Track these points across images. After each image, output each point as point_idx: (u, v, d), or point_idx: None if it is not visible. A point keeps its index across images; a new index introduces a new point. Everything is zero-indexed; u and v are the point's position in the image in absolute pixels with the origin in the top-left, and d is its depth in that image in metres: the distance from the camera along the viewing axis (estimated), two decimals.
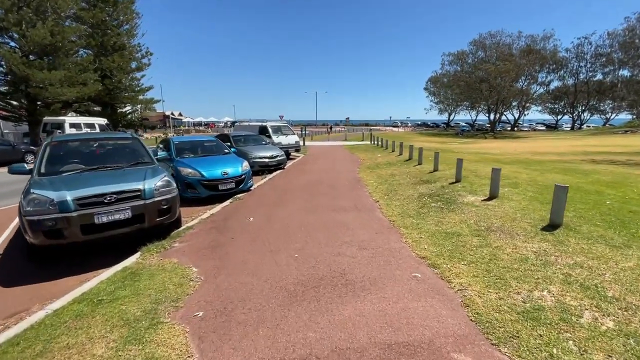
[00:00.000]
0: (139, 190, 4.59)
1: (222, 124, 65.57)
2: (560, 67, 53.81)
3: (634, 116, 66.57)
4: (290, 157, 17.77)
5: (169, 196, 4.88)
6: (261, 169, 11.97)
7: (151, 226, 4.72)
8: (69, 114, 29.01)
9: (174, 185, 5.12)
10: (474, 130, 58.77)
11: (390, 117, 78.92)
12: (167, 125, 55.63)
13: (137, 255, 4.39)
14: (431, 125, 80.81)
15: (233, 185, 8.02)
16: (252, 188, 8.91)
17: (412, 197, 7.05)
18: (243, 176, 8.29)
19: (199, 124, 64.63)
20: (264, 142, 13.78)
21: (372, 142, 24.70)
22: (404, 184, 8.57)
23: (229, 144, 12.96)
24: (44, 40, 22.19)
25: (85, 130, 20.75)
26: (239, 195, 8.02)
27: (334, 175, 10.84)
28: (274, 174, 11.61)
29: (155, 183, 4.80)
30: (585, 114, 62.95)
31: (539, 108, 70.66)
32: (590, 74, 53.20)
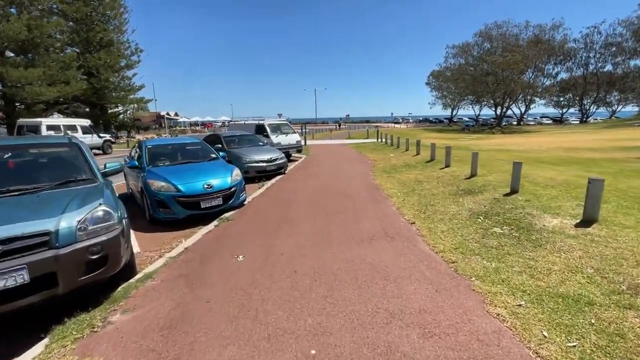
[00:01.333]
0: (45, 234, 2.75)
1: (220, 124, 63.67)
2: (568, 58, 51.78)
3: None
4: (292, 158, 15.92)
5: (104, 238, 3.04)
6: (258, 175, 10.14)
7: (73, 289, 2.90)
8: (53, 116, 27.14)
9: (116, 217, 3.27)
10: (479, 126, 56.82)
11: (392, 114, 76.99)
12: (162, 125, 53.78)
13: (40, 348, 2.56)
14: (434, 121, 78.87)
15: (220, 201, 6.18)
16: (245, 202, 7.07)
17: (460, 217, 5.21)
18: (233, 188, 6.45)
19: (195, 123, 62.71)
20: (261, 143, 11.92)
21: (379, 140, 22.84)
22: (438, 194, 6.72)
23: (219, 145, 11.12)
24: (19, 35, 20.25)
25: (65, 133, 18.92)
26: (227, 215, 6.19)
27: (345, 181, 9.01)
28: (274, 180, 9.77)
29: (80, 217, 2.97)
30: (592, 106, 61.04)
31: (544, 101, 68.75)
32: (600, 64, 51.27)
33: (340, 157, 15.08)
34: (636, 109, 68.12)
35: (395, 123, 76.54)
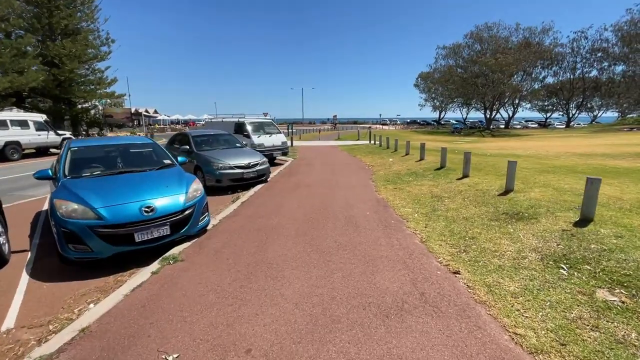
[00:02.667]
0: None
1: (202, 122, 60.60)
2: (555, 62, 51.83)
3: (620, 114, 66.08)
4: (276, 161, 13.98)
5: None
6: (233, 185, 8.18)
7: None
8: (9, 109, 24.13)
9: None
10: (467, 128, 56.29)
11: (380, 115, 75.87)
12: (139, 123, 50.60)
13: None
14: (422, 123, 78.33)
15: (167, 230, 4.20)
16: (208, 227, 5.13)
17: (528, 265, 3.44)
18: (189, 210, 4.49)
19: (176, 122, 59.56)
20: (238, 145, 9.93)
21: (373, 142, 21.16)
22: (473, 219, 4.97)
23: (187, 147, 9.10)
24: None
25: (13, 129, 16.30)
26: (177, 250, 4.23)
27: (343, 195, 7.18)
28: (252, 191, 7.84)
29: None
30: (575, 111, 61.63)
31: (529, 105, 69.18)
32: (586, 69, 51.57)
33: (332, 161, 13.23)
34: (616, 114, 69.98)
35: (383, 124, 75.50)
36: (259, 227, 5.09)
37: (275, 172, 10.69)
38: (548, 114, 73.07)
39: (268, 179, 9.26)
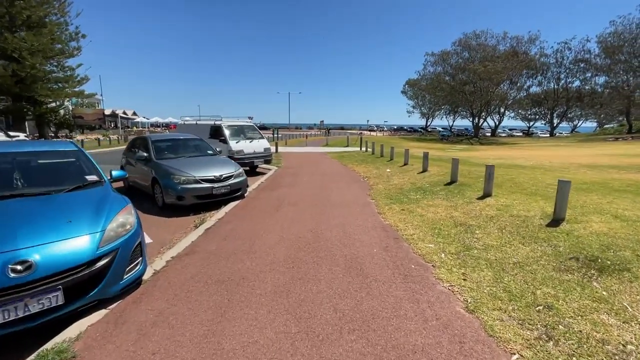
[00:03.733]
0: None
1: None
2: (540, 72, 52.42)
3: (598, 124, 67.91)
4: (258, 170, 12.34)
5: None
6: (199, 202, 6.51)
7: None
8: None
9: None
10: (455, 136, 56.10)
11: (368, 121, 75.37)
12: (116, 125, 47.90)
13: None
14: (409, 129, 78.14)
15: (57, 298, 2.51)
16: (144, 277, 3.45)
17: None
18: (103, 261, 2.82)
19: (156, 124, 56.82)
20: (210, 152, 8.24)
21: (364, 149, 19.78)
22: (527, 264, 3.48)
23: (145, 155, 7.37)
24: None
25: None
26: (72, 335, 2.52)
27: (338, 217, 5.62)
28: (224, 210, 6.18)
29: None
30: (557, 120, 62.66)
31: (512, 114, 70.10)
32: (570, 80, 52.34)
33: (322, 171, 11.67)
34: (594, 124, 71.91)
35: (370, 131, 74.75)
36: (220, 278, 3.45)
37: (255, 183, 9.04)
38: (531, 123, 74.36)
39: (245, 194, 7.61)
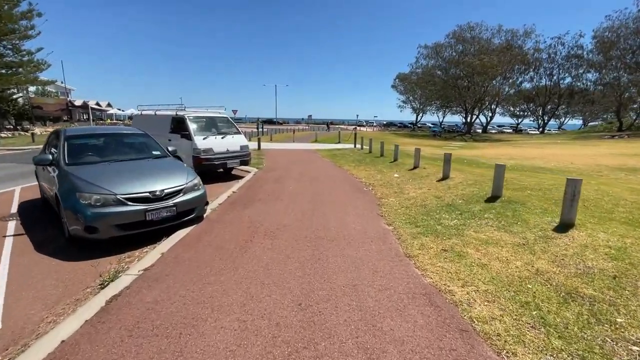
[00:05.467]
0: None
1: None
2: (533, 68, 51.34)
3: (583, 122, 68.20)
4: (234, 172, 9.98)
5: None
6: (126, 235, 4.14)
7: None
8: None
9: None
10: (444, 132, 54.65)
11: (357, 116, 73.01)
12: (88, 117, 44.11)
13: None
14: (399, 125, 76.48)
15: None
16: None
17: None
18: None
19: (131, 117, 52.90)
20: (156, 153, 5.80)
21: (360, 147, 17.58)
22: None
23: (51, 157, 4.94)
24: None
25: None
26: None
27: (343, 267, 3.39)
28: (164, 247, 3.85)
29: None
30: (549, 117, 62.23)
31: (500, 110, 69.31)
32: (562, 76, 51.53)
33: (312, 175, 9.39)
34: (579, 122, 72.31)
35: (360, 126, 72.56)
36: None
37: (223, 195, 6.67)
38: (519, 120, 73.90)
39: (204, 214, 5.26)
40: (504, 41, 43.76)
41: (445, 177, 7.51)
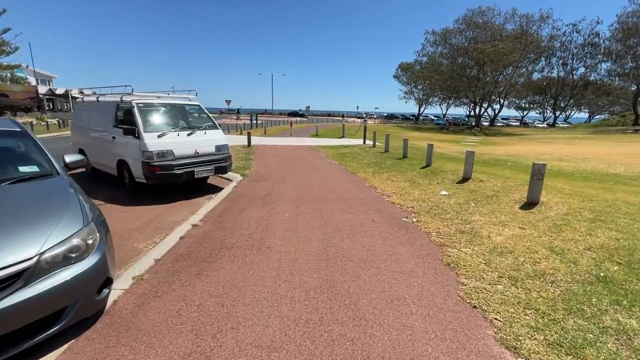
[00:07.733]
0: None
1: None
2: (545, 56, 48.26)
3: (590, 115, 65.56)
4: (210, 182, 7.14)
5: None
6: None
7: None
8: None
9: None
10: (452, 125, 51.80)
11: (358, 107, 69.68)
12: (70, 107, 40.97)
13: None
14: (401, 117, 73.44)
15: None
16: None
17: None
18: None
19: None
20: (26, 171, 2.97)
21: (369, 143, 14.74)
22: None
23: None
24: None
25: None
26: None
27: None
28: None
29: None
30: (560, 111, 59.47)
31: (506, 103, 66.22)
32: (575, 65, 48.55)
33: (318, 191, 6.59)
34: (584, 115, 69.64)
35: (359, 118, 69.28)
36: None
37: (168, 241, 3.87)
38: (524, 112, 70.98)
39: (105, 306, 2.46)
40: (517, 27, 40.62)
41: (532, 202, 4.73)
